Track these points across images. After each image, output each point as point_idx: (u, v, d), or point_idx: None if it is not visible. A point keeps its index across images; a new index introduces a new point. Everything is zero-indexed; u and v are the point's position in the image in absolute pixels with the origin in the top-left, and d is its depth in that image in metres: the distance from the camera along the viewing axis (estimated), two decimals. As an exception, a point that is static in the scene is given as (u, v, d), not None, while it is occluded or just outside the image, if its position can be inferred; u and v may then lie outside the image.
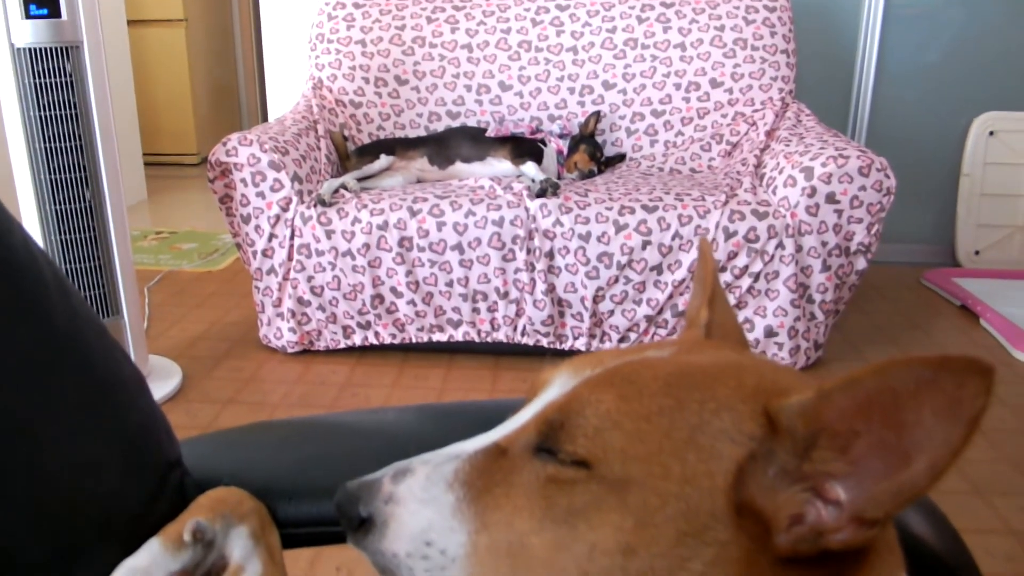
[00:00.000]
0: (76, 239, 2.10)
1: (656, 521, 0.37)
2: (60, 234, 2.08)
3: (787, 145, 2.37)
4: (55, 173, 2.06)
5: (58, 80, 2.00)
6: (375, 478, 0.43)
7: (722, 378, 0.40)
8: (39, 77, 1.97)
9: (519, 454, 0.42)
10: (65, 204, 2.08)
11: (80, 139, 2.07)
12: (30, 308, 0.48)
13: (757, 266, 2.22)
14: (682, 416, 0.38)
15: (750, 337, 2.29)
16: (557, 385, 0.43)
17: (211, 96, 5.32)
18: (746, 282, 2.24)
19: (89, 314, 0.53)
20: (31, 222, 2.05)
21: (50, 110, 2.01)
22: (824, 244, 2.19)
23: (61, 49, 1.95)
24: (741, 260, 2.21)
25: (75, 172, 2.09)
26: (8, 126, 2.01)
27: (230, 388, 2.26)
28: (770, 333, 2.28)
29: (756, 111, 2.71)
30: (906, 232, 3.27)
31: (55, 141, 2.04)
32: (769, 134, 2.57)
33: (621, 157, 2.78)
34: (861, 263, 2.25)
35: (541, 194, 2.27)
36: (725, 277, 2.23)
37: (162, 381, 2.23)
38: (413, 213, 2.26)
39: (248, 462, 0.57)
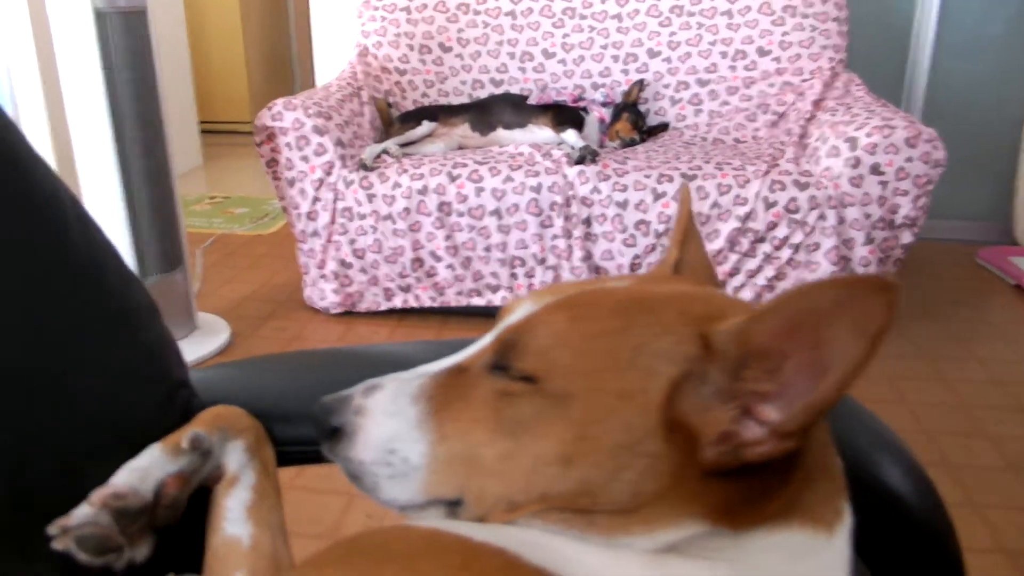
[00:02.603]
0: (143, 198, 2.17)
1: (594, 433, 0.39)
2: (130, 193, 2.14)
3: (833, 115, 2.33)
4: (123, 138, 2.12)
5: (127, 44, 2.06)
6: (348, 393, 0.46)
7: (669, 304, 0.41)
8: (111, 41, 2.02)
9: (477, 372, 0.44)
10: (137, 164, 2.14)
11: (145, 103, 2.14)
12: (52, 236, 0.52)
13: (797, 237, 2.19)
14: (626, 337, 0.40)
15: (788, 309, 2.27)
16: (519, 312, 0.45)
17: (265, 64, 5.41)
18: (786, 253, 2.21)
19: (107, 247, 0.57)
20: (108, 185, 2.11)
21: (122, 74, 2.06)
22: (868, 216, 2.15)
23: (130, 14, 2.01)
24: (781, 231, 2.19)
25: (141, 133, 2.15)
26: (79, 91, 2.06)
27: (274, 346, 2.33)
28: (809, 305, 2.26)
29: (804, 81, 2.65)
30: (962, 208, 3.18)
31: (126, 105, 2.10)
32: (816, 104, 2.52)
33: (664, 126, 2.76)
34: (907, 237, 2.20)
35: (580, 161, 2.27)
36: (764, 248, 2.21)
37: (211, 337, 2.32)
38: (452, 178, 2.29)
39: (255, 387, 0.61)
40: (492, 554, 0.38)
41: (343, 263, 2.43)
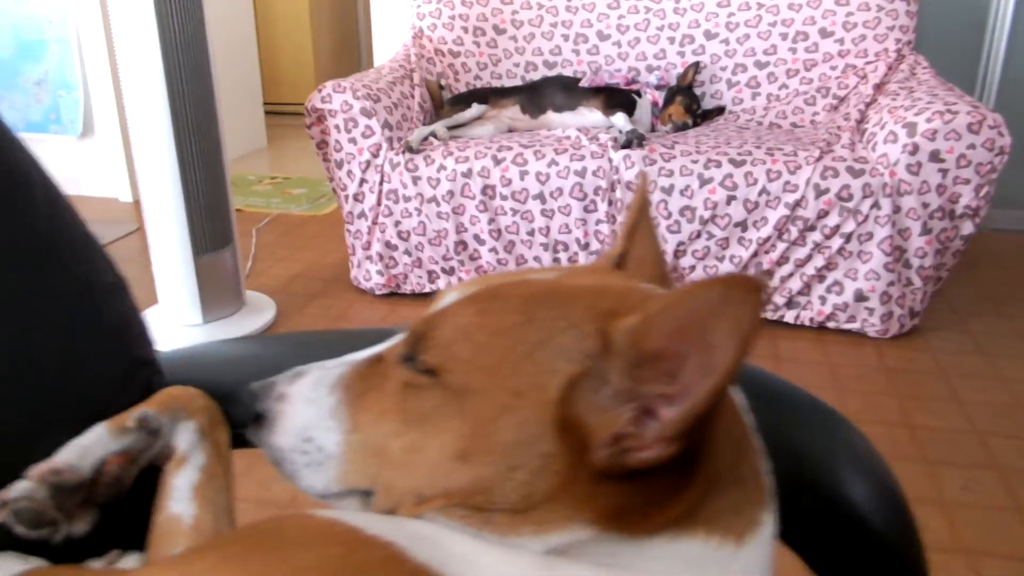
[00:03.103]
0: (195, 179, 2.22)
1: (489, 430, 0.38)
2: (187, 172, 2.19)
3: (894, 99, 2.23)
4: (178, 120, 2.17)
5: (182, 26, 2.11)
6: (274, 379, 0.46)
7: (580, 299, 0.40)
8: (168, 23, 2.08)
9: (391, 362, 0.44)
10: (190, 145, 2.19)
11: (198, 86, 2.20)
12: (14, 208, 0.53)
13: (849, 226, 2.11)
14: (529, 332, 0.39)
15: (838, 300, 2.20)
16: (442, 302, 0.45)
17: (332, 46, 5.49)
18: (837, 242, 2.14)
19: (75, 223, 0.59)
20: (165, 166, 2.17)
21: (177, 56, 2.12)
22: (925, 206, 2.06)
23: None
24: (832, 219, 2.11)
25: (194, 115, 2.21)
26: (140, 72, 2.12)
27: (319, 324, 2.38)
28: (860, 297, 2.18)
29: (868, 63, 2.55)
30: (1032, 198, 3.01)
31: (181, 87, 2.16)
32: (878, 88, 2.42)
33: (720, 110, 2.69)
34: (968, 227, 2.10)
35: (626, 145, 2.24)
36: (814, 236, 2.14)
37: (257, 315, 2.38)
38: (497, 161, 2.29)
39: (221, 369, 0.62)
40: (377, 548, 0.37)
41: (388, 244, 2.45)
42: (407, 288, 2.53)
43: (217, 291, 2.29)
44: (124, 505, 0.52)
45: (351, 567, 0.37)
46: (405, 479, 0.41)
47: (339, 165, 2.42)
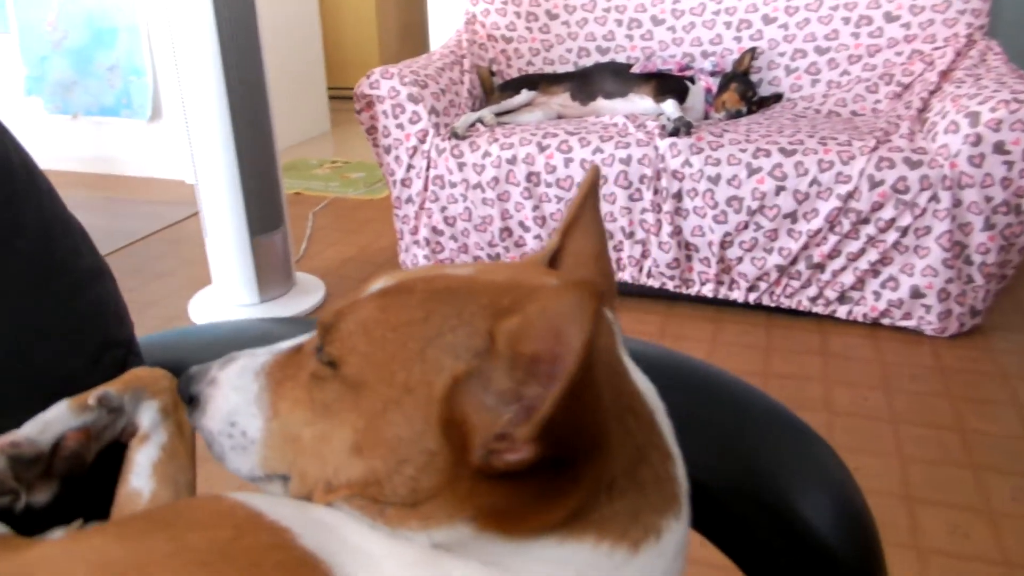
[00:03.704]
0: (247, 164, 2.28)
1: (379, 424, 0.39)
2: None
3: (958, 87, 2.12)
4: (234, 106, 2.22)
5: (232, 14, 2.16)
6: (210, 364, 0.47)
7: (480, 296, 0.39)
8: (222, 11, 2.13)
9: (308, 352, 0.44)
10: (243, 131, 2.25)
11: (249, 72, 2.24)
12: None
13: (906, 220, 2.03)
14: (423, 328, 0.39)
15: (893, 296, 2.12)
16: (364, 292, 0.45)
17: (397, 31, 5.54)
18: (892, 236, 2.06)
19: (56, 207, 0.61)
20: (220, 149, 2.24)
21: (230, 42, 2.17)
22: (988, 200, 1.96)
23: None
24: (887, 212, 2.03)
25: (247, 102, 2.26)
26: (193, 56, 2.18)
27: (364, 308, 2.41)
28: (916, 294, 2.09)
29: (936, 49, 2.43)
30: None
31: (234, 73, 2.21)
32: (944, 75, 2.31)
33: (777, 97, 2.61)
34: (1035, 222, 1.99)
35: (674, 133, 2.19)
36: (868, 229, 2.06)
37: (306, 296, 2.43)
38: (542, 148, 2.27)
39: (201, 353, 0.63)
40: (268, 533, 0.38)
41: (435, 230, 2.47)
42: (453, 274, 2.54)
43: (268, 272, 2.34)
44: (93, 478, 0.54)
45: (236, 550, 0.37)
46: (316, 467, 0.42)
47: (387, 150, 2.45)
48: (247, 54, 2.21)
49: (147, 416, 0.56)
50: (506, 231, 2.39)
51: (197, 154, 2.28)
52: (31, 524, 0.51)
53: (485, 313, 0.38)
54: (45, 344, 0.57)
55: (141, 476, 0.54)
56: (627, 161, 2.20)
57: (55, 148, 4.04)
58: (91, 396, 0.53)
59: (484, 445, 0.36)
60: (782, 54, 2.62)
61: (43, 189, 0.60)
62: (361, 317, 0.41)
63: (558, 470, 0.36)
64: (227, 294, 2.38)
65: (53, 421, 0.52)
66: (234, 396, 0.45)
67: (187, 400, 0.47)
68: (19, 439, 0.50)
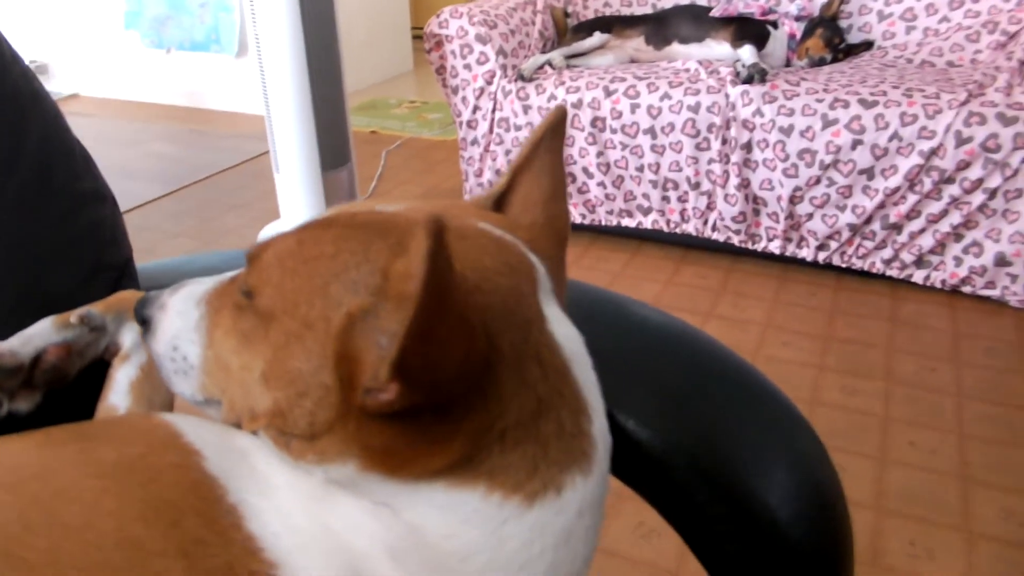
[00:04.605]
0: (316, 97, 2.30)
1: (282, 356, 0.39)
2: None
3: (1068, 36, 1.94)
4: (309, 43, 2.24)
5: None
6: (163, 290, 0.48)
7: (391, 233, 0.38)
8: None
9: (240, 281, 0.44)
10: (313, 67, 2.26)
11: (319, 8, 2.25)
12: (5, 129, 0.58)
13: (995, 180, 1.88)
14: (330, 264, 0.38)
15: (975, 263, 1.99)
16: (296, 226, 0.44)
17: (487, -29, 5.45)
18: (978, 198, 1.92)
19: (59, 133, 0.63)
20: (290, 83, 2.27)
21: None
22: (1090, 161, 1.80)
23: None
24: (975, 171, 1.89)
25: (317, 38, 2.27)
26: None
27: (425, 248, 2.43)
28: (1002, 261, 1.96)
29: (1051, -6, 2.22)
30: None
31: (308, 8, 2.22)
32: (1056, 23, 2.11)
33: (868, 45, 2.45)
34: None
35: (748, 80, 2.09)
36: (951, 190, 1.93)
37: (369, 235, 2.46)
38: (608, 93, 2.21)
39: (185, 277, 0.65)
40: (176, 453, 0.39)
41: (499, 173, 2.45)
42: (515, 218, 2.52)
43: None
44: (79, 393, 0.56)
45: (140, 466, 0.38)
46: (240, 396, 0.43)
47: (455, 91, 2.43)
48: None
49: (128, 336, 0.57)
50: (570, 176, 2.35)
51: (270, 88, 2.31)
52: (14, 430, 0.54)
53: (388, 251, 0.37)
54: (37, 262, 0.60)
55: (119, 393, 0.56)
56: (695, 109, 2.11)
57: (150, 81, 4.18)
58: (74, 315, 0.55)
59: (365, 384, 0.35)
60: (877, -2, 2.45)
61: (48, 116, 0.62)
62: (279, 249, 0.41)
63: (439, 416, 0.35)
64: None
65: (35, 336, 0.54)
66: (178, 321, 0.46)
67: (140, 322, 0.48)
68: (2, 350, 0.52)
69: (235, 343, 0.43)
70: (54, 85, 4.38)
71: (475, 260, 0.39)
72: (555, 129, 0.50)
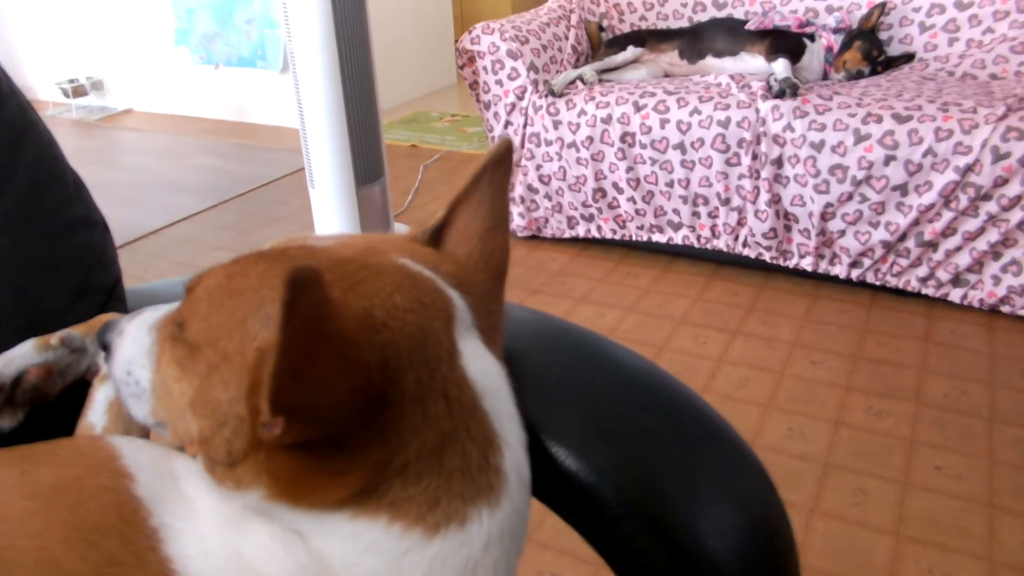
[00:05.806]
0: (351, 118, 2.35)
1: (205, 385, 0.40)
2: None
3: (1115, 48, 1.87)
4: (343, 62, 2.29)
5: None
6: (124, 316, 0.50)
7: None
8: None
9: (176, 312, 0.46)
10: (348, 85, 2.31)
11: (353, 28, 2.30)
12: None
13: (1034, 197, 1.83)
14: (251, 298, 0.40)
15: (1015, 282, 1.92)
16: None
17: (532, -15, 5.48)
18: (1017, 215, 1.86)
19: (52, 160, 0.66)
20: (325, 100, 2.33)
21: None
22: None
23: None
24: (1013, 188, 1.84)
25: (351, 57, 2.32)
26: (303, 9, 2.25)
27: (456, 262, 2.45)
28: (1042, 280, 1.89)
29: (1101, 4, 2.15)
30: None
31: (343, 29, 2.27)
32: (1103, 34, 2.04)
33: (908, 57, 2.40)
34: None
35: (780, 95, 2.07)
36: (988, 207, 1.87)
37: (401, 248, 2.49)
38: (638, 108, 2.20)
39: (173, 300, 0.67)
40: (109, 476, 0.41)
41: (530, 188, 2.46)
42: (547, 232, 2.53)
43: (366, 224, 2.42)
44: (61, 412, 0.59)
45: (73, 489, 0.40)
46: (179, 421, 0.44)
47: (487, 106, 2.45)
48: (353, 9, 2.26)
49: None
50: (600, 192, 2.35)
51: (305, 106, 2.37)
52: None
53: None
54: (25, 279, 0.63)
55: (97, 412, 0.58)
56: (725, 124, 2.09)
57: (198, 96, 4.31)
58: (55, 337, 0.58)
59: (260, 419, 0.36)
60: (917, 9, 2.40)
61: (42, 144, 0.65)
62: (209, 283, 0.43)
63: (335, 449, 0.36)
64: (328, 242, 2.48)
65: (17, 357, 0.57)
66: (132, 347, 0.48)
67: (102, 347, 0.50)
68: None
69: (175, 371, 0.44)
70: (109, 100, 4.54)
71: (385, 298, 0.40)
72: (499, 161, 0.51)
